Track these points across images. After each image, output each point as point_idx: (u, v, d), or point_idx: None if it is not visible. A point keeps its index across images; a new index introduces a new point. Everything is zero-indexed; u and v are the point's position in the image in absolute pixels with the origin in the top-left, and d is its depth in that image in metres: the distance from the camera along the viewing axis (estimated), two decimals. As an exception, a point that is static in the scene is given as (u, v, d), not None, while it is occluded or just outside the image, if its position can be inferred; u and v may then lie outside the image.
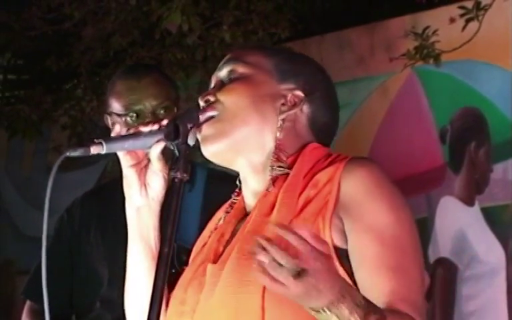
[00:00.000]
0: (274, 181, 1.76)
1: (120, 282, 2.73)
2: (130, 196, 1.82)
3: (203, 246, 1.83)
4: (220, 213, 1.88)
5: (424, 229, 4.37)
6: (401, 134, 4.50)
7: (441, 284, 4.35)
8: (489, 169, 4.34)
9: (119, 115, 2.70)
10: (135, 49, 4.83)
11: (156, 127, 1.78)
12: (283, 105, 1.80)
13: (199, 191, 2.70)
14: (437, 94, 4.50)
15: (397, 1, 4.68)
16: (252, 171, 1.80)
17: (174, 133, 1.72)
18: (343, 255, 1.65)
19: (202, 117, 1.78)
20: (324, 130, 1.85)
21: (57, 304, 2.89)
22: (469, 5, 4.13)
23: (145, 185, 1.80)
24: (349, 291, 1.51)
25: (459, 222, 4.39)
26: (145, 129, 1.78)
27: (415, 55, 4.15)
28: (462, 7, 4.13)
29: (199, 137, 1.78)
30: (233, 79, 1.82)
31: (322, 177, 1.71)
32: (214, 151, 1.78)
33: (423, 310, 1.66)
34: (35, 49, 5.12)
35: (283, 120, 1.79)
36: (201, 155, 1.80)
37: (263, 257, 1.43)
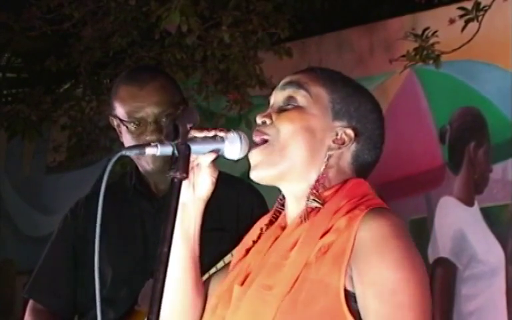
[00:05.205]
0: (309, 211, 1.81)
1: (123, 282, 2.75)
2: None
3: (244, 255, 1.90)
4: (265, 220, 1.94)
5: (423, 229, 4.37)
6: (400, 134, 4.49)
7: (440, 284, 4.35)
8: (488, 169, 4.34)
9: (121, 121, 2.71)
10: (134, 49, 4.83)
11: (215, 133, 1.82)
12: (333, 141, 1.85)
13: None
14: (437, 94, 4.50)
15: (396, 1, 4.68)
16: (293, 196, 1.86)
17: (173, 133, 1.72)
18: (351, 298, 1.69)
19: (256, 138, 1.84)
20: (364, 168, 1.89)
21: (60, 303, 2.90)
22: (469, 5, 4.12)
23: (193, 184, 1.85)
24: None
25: (458, 222, 4.39)
26: (209, 134, 1.81)
27: (415, 57, 4.14)
28: (461, 8, 4.12)
29: (250, 158, 1.84)
30: (291, 107, 1.86)
31: (341, 223, 1.75)
32: (261, 178, 1.84)
33: None
34: (35, 49, 5.12)
35: (330, 155, 1.84)
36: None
37: None
